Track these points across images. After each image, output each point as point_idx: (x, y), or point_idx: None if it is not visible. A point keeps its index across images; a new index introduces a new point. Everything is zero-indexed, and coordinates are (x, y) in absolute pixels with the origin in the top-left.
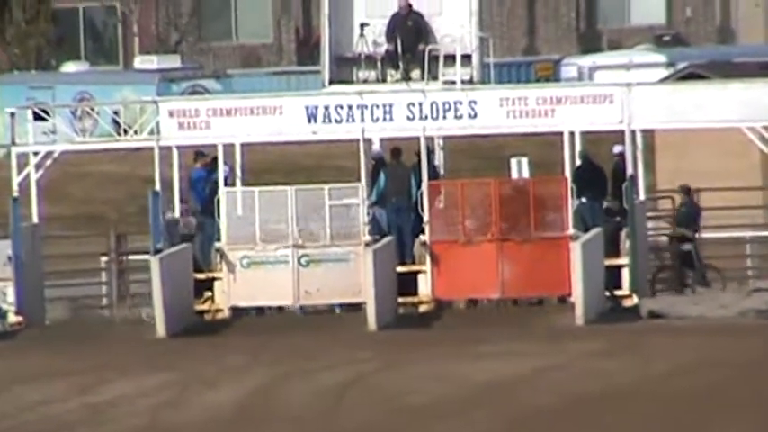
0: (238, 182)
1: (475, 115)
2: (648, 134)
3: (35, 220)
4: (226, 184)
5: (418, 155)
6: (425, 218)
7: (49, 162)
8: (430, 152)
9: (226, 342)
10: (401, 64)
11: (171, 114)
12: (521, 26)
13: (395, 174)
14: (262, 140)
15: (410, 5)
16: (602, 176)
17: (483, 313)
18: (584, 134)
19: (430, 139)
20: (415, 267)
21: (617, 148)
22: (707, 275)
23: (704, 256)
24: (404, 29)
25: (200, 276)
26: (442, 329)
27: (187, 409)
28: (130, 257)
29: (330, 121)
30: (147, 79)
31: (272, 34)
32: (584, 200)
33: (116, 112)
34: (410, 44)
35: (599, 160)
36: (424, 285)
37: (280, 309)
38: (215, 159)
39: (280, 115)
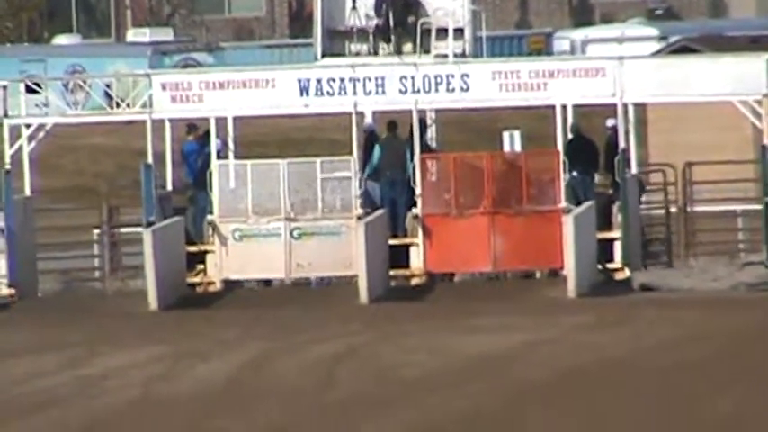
0: (231, 155)
1: (467, 88)
2: (640, 108)
3: (27, 192)
4: (218, 158)
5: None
6: (417, 191)
7: (41, 135)
8: (425, 126)
9: (218, 315)
10: (393, 37)
11: (163, 87)
12: None
13: (390, 147)
14: (254, 113)
15: None
16: (593, 150)
17: (475, 286)
18: (577, 107)
19: (423, 113)
20: (407, 240)
21: (610, 122)
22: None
23: (695, 229)
24: (395, 2)
25: (193, 249)
26: (434, 302)
27: (179, 381)
28: (122, 230)
29: (322, 94)
30: (140, 52)
31: (264, 7)
32: (575, 173)
33: (108, 85)
34: (400, 18)
35: (591, 134)
36: (416, 258)
37: (267, 282)
38: (207, 132)
39: (272, 88)
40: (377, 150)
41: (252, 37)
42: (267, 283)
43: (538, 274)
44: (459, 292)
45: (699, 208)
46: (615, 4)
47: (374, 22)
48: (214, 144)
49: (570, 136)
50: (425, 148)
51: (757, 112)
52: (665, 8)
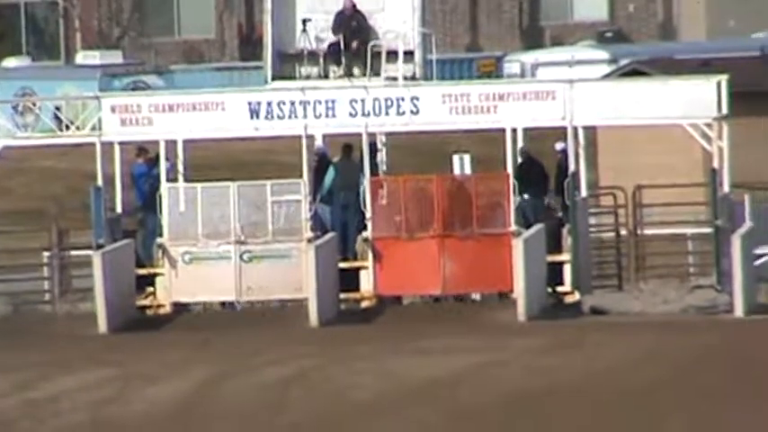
0: (181, 177)
1: (417, 111)
2: (591, 130)
3: None
4: (168, 180)
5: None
6: (368, 214)
7: None
8: (376, 149)
9: (167, 338)
10: (343, 60)
11: (113, 110)
12: (463, 22)
13: (345, 170)
14: (204, 136)
15: (354, 5)
16: (543, 173)
17: (425, 309)
18: (527, 131)
19: (373, 136)
20: (357, 263)
21: (559, 145)
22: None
23: (645, 252)
24: (347, 29)
25: (143, 272)
26: (383, 325)
27: (128, 404)
28: (72, 253)
29: (273, 117)
30: (89, 75)
31: (214, 30)
32: (526, 196)
33: (58, 108)
34: (351, 40)
35: (541, 157)
36: (366, 281)
37: (222, 305)
38: (158, 156)
39: (222, 111)
40: (330, 172)
41: (202, 60)
42: (222, 305)
43: (477, 296)
44: (408, 315)
45: (649, 231)
46: (565, 26)
47: (324, 44)
48: (164, 167)
49: (519, 159)
50: (376, 171)
51: (707, 135)
52: (616, 31)
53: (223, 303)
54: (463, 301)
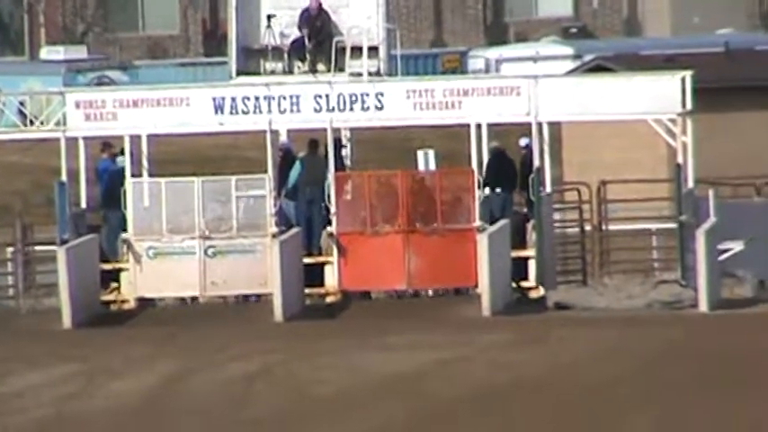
0: (145, 173)
1: (382, 107)
2: (555, 126)
3: None
4: (131, 172)
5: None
6: (332, 209)
7: None
8: (341, 145)
9: (132, 333)
10: (308, 56)
11: (77, 105)
12: (428, 18)
13: (311, 165)
14: (169, 131)
15: (320, 4)
16: (514, 169)
17: (390, 304)
18: (491, 126)
19: (337, 131)
20: (321, 259)
21: (523, 141)
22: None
23: (609, 247)
24: (312, 25)
25: (107, 267)
26: (348, 320)
27: (93, 399)
28: (36, 248)
29: (237, 112)
30: (54, 70)
31: (178, 25)
32: (498, 190)
33: (22, 103)
34: (315, 36)
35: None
36: (331, 276)
37: (182, 300)
38: (123, 151)
39: (187, 106)
40: (296, 167)
41: (166, 55)
42: (183, 300)
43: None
44: (373, 311)
45: (613, 226)
46: (530, 22)
47: (289, 40)
48: (128, 162)
49: (488, 155)
50: (341, 166)
51: (671, 130)
52: (580, 27)
53: (182, 299)
54: (418, 297)
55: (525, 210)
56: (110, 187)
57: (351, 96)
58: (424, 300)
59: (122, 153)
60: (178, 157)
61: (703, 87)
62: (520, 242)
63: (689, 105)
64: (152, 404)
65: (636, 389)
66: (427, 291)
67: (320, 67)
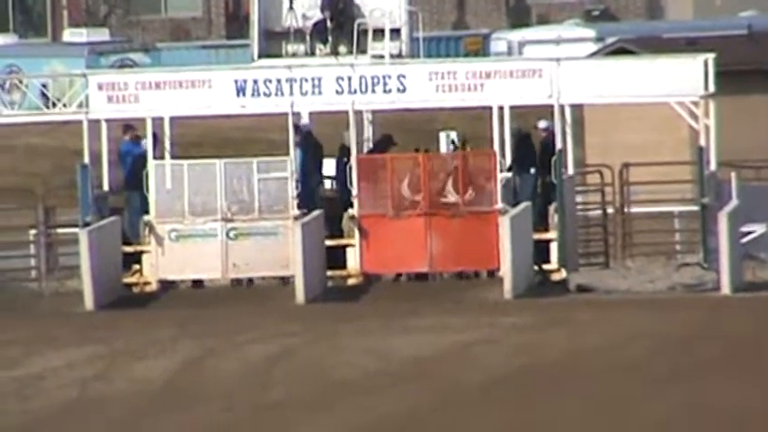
0: (167, 155)
1: (404, 89)
2: (577, 109)
3: None
4: (154, 155)
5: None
6: (354, 192)
7: None
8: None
9: (154, 315)
10: (330, 38)
11: (100, 87)
12: (450, 0)
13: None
14: (191, 114)
15: None
16: (536, 151)
17: (411, 287)
18: (513, 109)
19: (359, 114)
20: (343, 241)
21: (542, 123)
22: None
23: (632, 230)
24: (334, 7)
25: (129, 249)
26: (370, 303)
27: (115, 381)
28: (59, 231)
29: (259, 94)
30: (76, 52)
31: (201, 8)
32: (532, 171)
33: (45, 85)
34: (337, 18)
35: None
36: (353, 259)
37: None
38: (153, 134)
39: (209, 89)
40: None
41: (188, 37)
42: (196, 283)
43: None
44: (395, 293)
45: (636, 209)
46: (552, 5)
47: (311, 22)
48: (150, 145)
49: (511, 137)
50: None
51: (694, 113)
52: (602, 10)
53: (195, 282)
54: (435, 280)
55: (539, 192)
56: (133, 170)
57: (373, 78)
58: (446, 282)
59: (154, 136)
60: (200, 139)
61: (726, 70)
62: (542, 225)
63: (711, 88)
64: (174, 386)
65: (658, 371)
66: (441, 274)
67: (342, 49)
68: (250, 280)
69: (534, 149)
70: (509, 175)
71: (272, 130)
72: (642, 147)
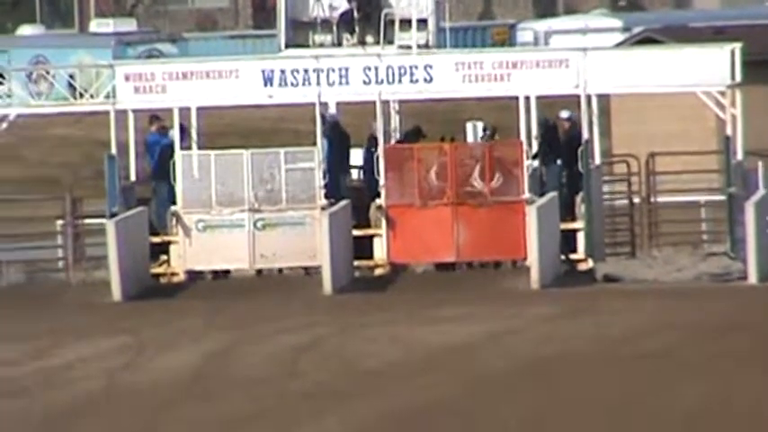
0: (194, 145)
1: (430, 79)
2: (604, 99)
3: None
4: (181, 146)
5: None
6: (381, 181)
7: (4, 125)
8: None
9: (181, 306)
10: (357, 28)
11: (127, 78)
12: None
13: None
14: (218, 104)
15: None
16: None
17: (438, 277)
18: (540, 99)
19: (386, 104)
20: (370, 231)
21: (564, 113)
22: None
23: (658, 219)
24: (361, 0)
25: (156, 240)
26: (397, 293)
27: (143, 372)
28: (86, 221)
29: (286, 84)
30: (103, 43)
31: None
32: (559, 162)
33: (72, 76)
34: (364, 8)
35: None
36: (380, 249)
37: (216, 273)
38: (181, 126)
39: (236, 79)
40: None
41: (215, 27)
42: (216, 273)
43: (502, 265)
44: (422, 283)
45: (662, 199)
46: None
47: (338, 12)
48: (177, 135)
49: (541, 129)
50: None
51: (720, 102)
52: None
53: (217, 273)
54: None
55: (566, 182)
56: (160, 160)
57: (399, 69)
58: (472, 272)
59: (182, 128)
60: (227, 129)
61: (753, 59)
62: (569, 214)
63: (738, 77)
64: (201, 377)
65: (685, 361)
66: (462, 264)
67: (369, 39)
68: (279, 270)
69: (560, 140)
70: (536, 164)
71: (299, 120)
72: (669, 136)
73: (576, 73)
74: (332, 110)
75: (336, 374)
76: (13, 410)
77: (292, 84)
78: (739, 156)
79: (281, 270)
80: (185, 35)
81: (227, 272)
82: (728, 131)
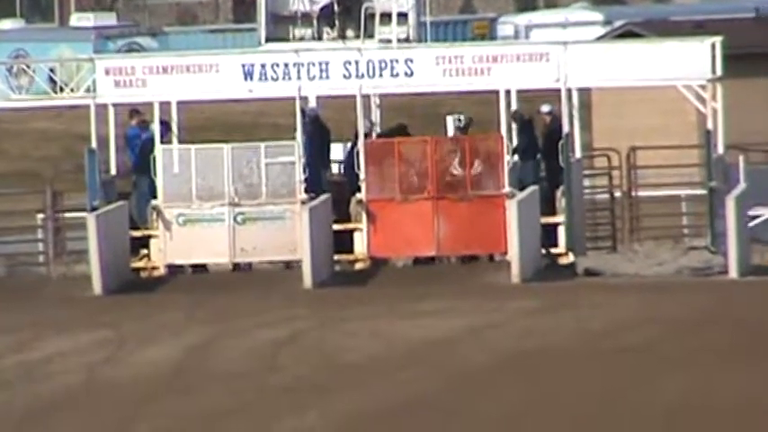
0: (175, 140)
1: (411, 73)
2: (584, 92)
3: None
4: (162, 142)
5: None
6: (361, 176)
7: None
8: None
9: (162, 300)
10: (337, 22)
11: (107, 72)
12: None
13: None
14: (198, 98)
15: None
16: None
17: (419, 271)
18: (520, 93)
19: (367, 98)
20: (351, 225)
21: (545, 108)
22: None
23: (639, 213)
24: None
25: (137, 234)
26: (377, 287)
27: (123, 366)
28: (67, 215)
29: (266, 78)
30: (84, 37)
31: None
32: (535, 156)
33: (52, 70)
34: (346, 4)
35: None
36: (360, 243)
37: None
38: (162, 120)
39: (216, 73)
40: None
41: (195, 21)
42: (196, 267)
43: (481, 259)
44: (402, 277)
45: (643, 192)
46: None
47: (318, 6)
48: (158, 129)
49: (514, 123)
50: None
51: (701, 96)
52: None
53: (196, 267)
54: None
55: (546, 176)
56: (140, 154)
57: (380, 63)
58: (453, 266)
59: (162, 122)
60: (207, 123)
61: (733, 53)
62: (549, 208)
63: (719, 71)
64: (181, 371)
65: (666, 355)
66: (449, 258)
67: (349, 33)
68: (249, 265)
69: (535, 135)
70: (516, 158)
71: (279, 114)
72: (649, 130)
73: (556, 67)
74: (312, 104)
75: (316, 369)
76: None
77: (272, 78)
78: (720, 150)
79: (250, 265)
80: (165, 29)
81: (205, 266)
82: (709, 125)
